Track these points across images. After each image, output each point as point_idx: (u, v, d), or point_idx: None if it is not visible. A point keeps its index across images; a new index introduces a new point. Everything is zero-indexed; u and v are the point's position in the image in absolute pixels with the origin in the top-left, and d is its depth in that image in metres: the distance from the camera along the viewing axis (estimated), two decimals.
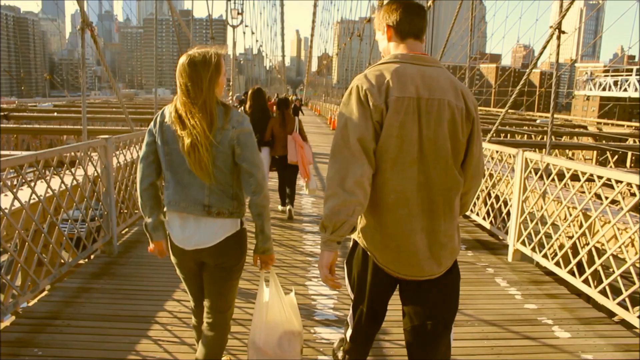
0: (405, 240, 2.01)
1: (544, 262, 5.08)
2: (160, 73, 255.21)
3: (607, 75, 54.63)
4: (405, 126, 1.93)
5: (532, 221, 5.49)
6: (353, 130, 1.92)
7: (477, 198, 7.05)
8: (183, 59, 2.29)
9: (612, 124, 26.56)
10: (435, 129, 1.96)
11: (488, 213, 6.58)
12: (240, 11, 19.38)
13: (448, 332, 2.21)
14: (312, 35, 72.73)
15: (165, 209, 2.44)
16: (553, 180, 5.20)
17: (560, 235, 5.03)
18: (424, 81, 1.98)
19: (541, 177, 5.33)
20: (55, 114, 25.46)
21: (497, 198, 6.47)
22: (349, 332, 2.39)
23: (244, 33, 22.74)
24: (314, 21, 68.83)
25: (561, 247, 5.03)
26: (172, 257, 2.51)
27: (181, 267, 2.53)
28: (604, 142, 20.77)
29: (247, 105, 7.20)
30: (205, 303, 2.53)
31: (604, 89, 51.35)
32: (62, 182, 4.43)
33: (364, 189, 1.92)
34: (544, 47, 7.55)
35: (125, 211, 6.08)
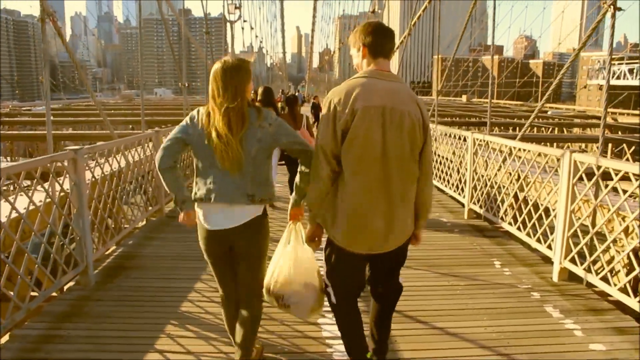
0: (370, 223, 2.52)
1: (602, 285, 4.23)
2: (162, 73, 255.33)
3: (622, 63, 53.25)
4: (371, 129, 2.43)
5: (583, 234, 4.66)
6: (321, 135, 2.53)
7: (502, 202, 6.23)
8: (218, 66, 2.64)
9: (628, 114, 25.56)
10: (397, 133, 2.45)
11: (518, 220, 5.75)
12: (237, 6, 18.66)
13: (397, 279, 2.92)
14: (312, 30, 71.85)
15: (205, 200, 2.68)
16: (605, 185, 4.37)
17: (620, 251, 4.20)
18: (389, 94, 2.47)
19: (588, 180, 4.51)
20: (51, 117, 24.74)
21: (534, 205, 5.63)
22: (331, 297, 2.80)
23: (243, 29, 21.96)
24: (314, 16, 67.94)
25: (623, 267, 4.20)
26: (203, 245, 2.84)
27: (215, 251, 2.84)
28: (623, 133, 19.86)
29: (256, 102, 6.87)
30: (240, 288, 2.91)
31: (618, 78, 50.08)
32: (13, 206, 3.59)
33: (328, 182, 2.55)
34: (595, 26, 6.68)
35: (108, 230, 5.29)
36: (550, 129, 22.80)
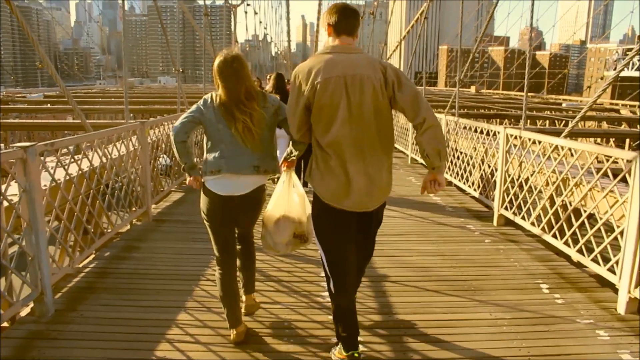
0: (344, 182, 2.74)
1: None
2: (167, 61, 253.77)
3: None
4: (334, 96, 2.69)
5: None
6: (289, 108, 2.86)
7: (545, 210, 5.32)
8: (221, 59, 3.05)
9: None
10: (359, 96, 2.71)
11: (566, 233, 4.84)
12: None
13: (373, 246, 3.13)
14: (318, 18, 70.47)
15: (216, 172, 3.07)
16: None
17: None
18: (349, 64, 2.73)
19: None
20: (49, 105, 23.86)
21: (588, 217, 4.71)
22: (330, 285, 2.97)
23: (246, 13, 20.87)
24: (320, 4, 66.56)
25: None
26: (207, 210, 3.19)
27: (222, 216, 3.20)
28: None
29: (270, 86, 7.76)
30: (242, 241, 3.48)
31: (638, 69, 48.71)
32: None
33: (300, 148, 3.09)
34: None
35: (76, 244, 4.41)
36: (563, 122, 21.79)
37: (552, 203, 5.19)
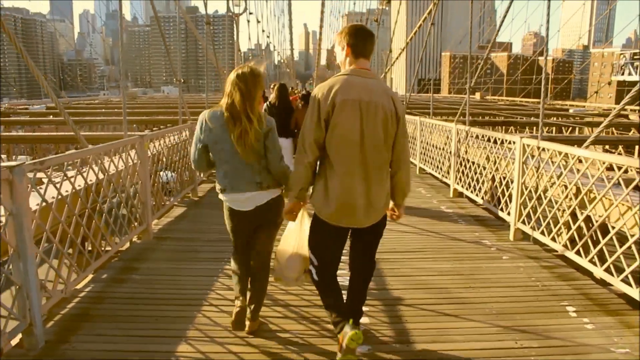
0: (350, 200, 2.93)
1: None
2: (170, 71, 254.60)
3: None
4: (349, 119, 2.87)
5: None
6: (306, 126, 2.95)
7: (568, 226, 5.04)
8: (240, 72, 3.22)
9: None
10: (372, 122, 2.89)
11: (592, 250, 4.55)
12: None
13: (373, 258, 3.32)
14: (320, 27, 70.49)
15: (222, 191, 3.37)
16: None
17: None
18: (365, 89, 2.90)
19: None
20: (51, 117, 23.67)
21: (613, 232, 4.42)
22: (313, 273, 3.24)
23: (249, 21, 20.69)
24: (322, 12, 66.59)
25: None
26: (228, 223, 3.52)
27: (237, 227, 3.51)
28: None
29: (273, 97, 7.92)
30: (254, 253, 3.58)
31: None
32: None
33: (310, 166, 2.97)
34: None
35: (70, 267, 4.14)
36: (570, 129, 21.51)
37: (575, 218, 4.89)
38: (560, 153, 5.15)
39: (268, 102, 7.90)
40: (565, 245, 4.99)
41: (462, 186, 8.20)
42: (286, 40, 66.93)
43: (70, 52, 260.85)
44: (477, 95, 48.72)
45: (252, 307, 3.56)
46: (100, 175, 4.82)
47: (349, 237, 3.19)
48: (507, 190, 6.46)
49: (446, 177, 9.24)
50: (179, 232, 6.33)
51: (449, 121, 12.36)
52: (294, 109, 8.06)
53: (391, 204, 3.15)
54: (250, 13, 21.29)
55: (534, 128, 20.26)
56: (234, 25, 27.60)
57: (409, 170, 3.15)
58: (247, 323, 3.54)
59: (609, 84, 68.86)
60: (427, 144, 10.69)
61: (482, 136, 7.76)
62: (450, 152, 9.08)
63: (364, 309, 3.50)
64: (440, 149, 9.86)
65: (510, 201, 6.18)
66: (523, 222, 5.89)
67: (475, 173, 7.68)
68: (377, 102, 2.89)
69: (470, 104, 28.48)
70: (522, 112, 24.49)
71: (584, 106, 31.34)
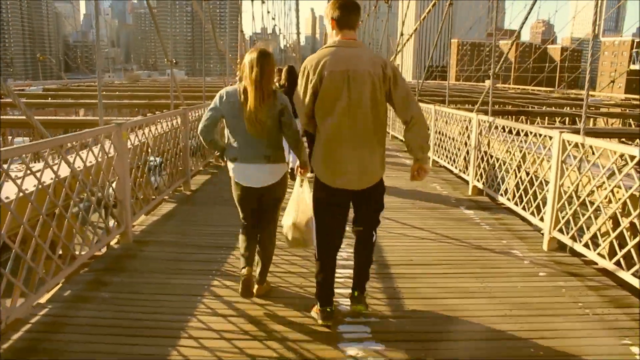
0: (341, 164, 3.16)
1: None
2: (175, 54, 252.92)
3: None
4: (337, 88, 3.07)
5: None
6: (298, 96, 3.23)
7: (619, 237, 4.24)
8: (255, 54, 3.45)
9: None
10: (359, 90, 3.06)
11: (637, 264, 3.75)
12: None
13: (377, 214, 3.43)
14: None
15: (233, 160, 3.63)
16: None
17: None
18: (352, 59, 3.08)
19: None
20: (49, 99, 22.87)
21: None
22: (315, 253, 3.46)
23: (252, 0, 19.72)
24: None
25: None
26: (236, 194, 3.78)
27: (244, 200, 3.78)
28: None
29: (282, 79, 7.75)
30: (262, 226, 3.83)
31: None
32: None
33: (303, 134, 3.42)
34: None
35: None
36: (584, 119, 20.55)
37: (635, 231, 4.08)
38: (614, 153, 4.32)
39: (277, 84, 7.91)
40: (618, 263, 4.18)
41: (483, 183, 7.38)
42: (292, 23, 65.80)
43: (75, 33, 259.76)
44: (487, 83, 47.77)
45: (260, 271, 3.89)
46: (65, 171, 4.03)
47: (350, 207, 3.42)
48: (539, 192, 5.66)
49: (464, 173, 8.41)
50: (164, 234, 5.55)
51: (464, 110, 11.52)
52: None
53: (415, 163, 3.29)
54: None
55: (558, 119, 19.33)
56: (240, 7, 26.65)
57: (423, 124, 3.24)
58: (256, 286, 3.81)
59: (627, 72, 66.92)
60: (442, 134, 9.85)
61: (510, 129, 6.90)
62: (470, 145, 8.27)
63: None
64: (456, 140, 9.03)
65: (544, 205, 5.38)
66: (560, 231, 5.09)
67: (500, 170, 6.86)
68: (364, 70, 3.07)
69: (478, 91, 27.78)
70: (536, 101, 23.52)
71: (600, 95, 30.30)
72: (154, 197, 6.67)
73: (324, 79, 3.07)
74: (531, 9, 8.61)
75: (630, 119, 20.95)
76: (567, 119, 21.61)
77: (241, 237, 3.85)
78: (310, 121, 3.25)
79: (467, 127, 8.54)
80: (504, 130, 7.05)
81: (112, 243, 5.20)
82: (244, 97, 3.45)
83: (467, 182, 8.25)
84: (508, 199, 6.52)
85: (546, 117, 22.04)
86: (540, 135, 5.84)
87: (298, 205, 3.80)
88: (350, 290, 3.65)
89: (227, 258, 4.79)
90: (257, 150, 3.53)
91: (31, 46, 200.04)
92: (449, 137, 9.41)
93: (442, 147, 9.77)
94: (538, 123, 19.70)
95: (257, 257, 3.88)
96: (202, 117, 3.67)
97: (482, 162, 7.44)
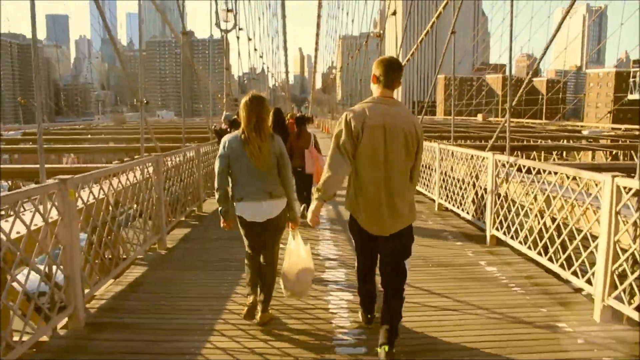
0: (376, 211, 3.51)
1: None
2: (165, 95, 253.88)
3: None
4: (375, 141, 3.42)
5: None
6: (342, 140, 3.48)
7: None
8: (248, 98, 3.96)
9: None
10: (394, 144, 3.44)
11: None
12: (230, 8, 15.85)
13: (403, 264, 3.68)
14: (316, 49, 69.54)
15: (240, 200, 4.02)
16: None
17: None
18: (389, 115, 3.46)
19: None
20: (30, 143, 21.90)
21: None
22: (356, 265, 3.99)
23: (238, 38, 19.10)
24: (317, 34, 65.65)
25: None
26: (242, 230, 4.18)
27: (249, 233, 4.16)
28: None
29: (269, 121, 7.04)
30: (263, 252, 4.22)
31: None
32: None
33: (343, 176, 3.52)
34: None
35: None
36: (594, 154, 19.86)
37: None
38: None
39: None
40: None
41: (505, 233, 6.40)
42: (281, 62, 65.67)
43: (67, 76, 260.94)
44: (480, 117, 47.41)
45: (263, 299, 4.16)
46: None
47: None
48: (581, 247, 4.69)
49: (478, 219, 7.43)
50: (126, 312, 4.49)
51: (466, 146, 10.64)
52: (289, 133, 8.07)
53: None
54: (240, 29, 19.61)
55: (565, 153, 18.53)
56: (228, 51, 26.08)
57: (418, 181, 4.32)
58: (259, 315, 4.13)
59: (622, 102, 66.79)
60: (448, 175, 8.92)
61: (537, 170, 5.94)
62: (480, 187, 7.35)
63: None
64: (465, 182, 8.11)
65: (593, 266, 4.40)
66: (617, 298, 4.10)
67: (526, 218, 5.90)
68: (399, 126, 3.46)
69: (476, 126, 27.21)
70: (538, 135, 22.80)
71: (600, 127, 29.73)
72: (125, 256, 5.67)
73: (364, 130, 3.42)
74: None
75: (631, 150, 20.20)
76: (564, 152, 20.87)
77: (246, 267, 4.32)
78: (345, 159, 3.48)
79: (474, 166, 7.64)
80: (528, 172, 6.12)
81: (59, 327, 4.14)
82: (244, 136, 3.91)
83: (481, 229, 7.30)
84: (540, 254, 5.52)
85: (563, 152, 21.12)
86: (578, 178, 4.90)
87: (289, 257, 4.15)
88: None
89: (204, 347, 3.75)
90: (261, 187, 3.94)
91: (22, 91, 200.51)
92: (456, 179, 8.49)
93: (448, 189, 8.83)
94: (554, 160, 18.87)
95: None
96: (215, 168, 4.09)
97: (502, 208, 6.49)
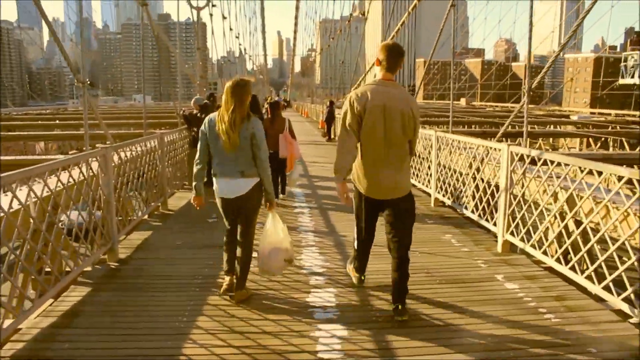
0: (378, 180, 3.96)
1: None
2: (140, 78, 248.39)
3: None
4: (376, 120, 3.83)
5: None
6: (348, 120, 3.92)
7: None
8: (230, 84, 4.15)
9: None
10: (392, 123, 3.84)
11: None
12: None
13: (410, 225, 4.09)
14: (295, 31, 68.05)
15: (214, 176, 4.26)
16: None
17: None
18: (388, 96, 3.87)
19: None
20: None
21: None
22: (355, 243, 4.46)
23: (211, 15, 17.75)
24: (296, 17, 64.15)
25: None
26: (219, 206, 4.37)
27: (225, 210, 4.38)
28: None
29: None
30: (239, 230, 4.40)
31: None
32: None
33: (353, 151, 3.95)
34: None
35: None
36: (604, 142, 19.11)
37: None
38: None
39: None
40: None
41: (524, 240, 5.42)
42: (259, 44, 63.88)
43: (39, 60, 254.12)
44: (463, 102, 46.60)
45: (239, 277, 4.38)
46: None
47: (383, 215, 4.13)
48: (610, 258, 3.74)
49: (487, 220, 6.42)
50: (63, 351, 3.41)
51: (462, 133, 9.64)
52: (264, 119, 8.11)
53: None
54: (214, 5, 18.26)
55: (564, 140, 17.69)
56: (206, 33, 24.71)
57: (415, 149, 4.20)
58: (235, 293, 4.35)
59: (615, 87, 66.15)
60: (447, 167, 7.93)
61: (555, 163, 4.95)
62: (485, 182, 6.39)
63: None
64: (470, 177, 7.13)
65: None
66: None
67: (550, 223, 4.92)
68: (397, 107, 3.86)
69: (460, 110, 26.16)
70: (522, 120, 21.87)
71: (588, 112, 29.01)
72: (68, 269, 4.59)
73: (366, 110, 3.86)
74: None
75: (622, 138, 19.43)
76: (584, 140, 19.83)
77: (224, 244, 4.55)
78: (352, 136, 3.93)
79: (481, 159, 6.65)
80: (546, 166, 5.14)
81: None
82: (219, 118, 4.13)
83: (488, 231, 6.34)
84: (574, 270, 4.55)
85: (554, 140, 20.21)
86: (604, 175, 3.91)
87: (265, 236, 4.32)
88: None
89: None
90: (233, 167, 4.15)
91: None
92: (458, 172, 7.50)
93: (447, 183, 7.83)
94: (540, 146, 17.93)
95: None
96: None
97: (516, 207, 5.51)
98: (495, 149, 6.17)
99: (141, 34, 13.11)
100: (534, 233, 5.23)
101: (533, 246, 5.21)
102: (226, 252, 4.51)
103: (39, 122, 23.65)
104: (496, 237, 6.01)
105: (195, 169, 4.32)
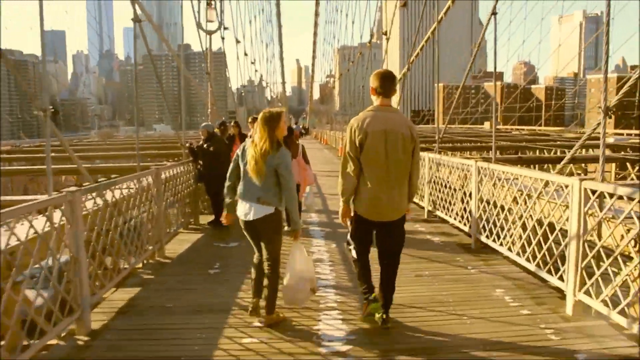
0: (377, 202, 4.16)
1: None
2: (162, 109, 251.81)
3: None
4: (378, 145, 4.07)
5: None
6: (348, 147, 4.18)
7: None
8: (262, 115, 4.40)
9: None
10: (393, 146, 4.08)
11: None
12: (212, 5, 13.64)
13: (399, 252, 4.42)
14: (313, 58, 67.76)
15: (239, 197, 4.44)
16: None
17: None
18: (388, 121, 4.11)
19: None
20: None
21: None
22: (355, 258, 4.52)
23: (223, 38, 16.91)
24: (314, 42, 63.87)
25: None
26: (242, 226, 4.53)
27: (246, 231, 4.53)
28: None
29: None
30: (264, 255, 4.50)
31: None
32: None
33: (354, 176, 4.18)
34: None
35: None
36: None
37: None
38: None
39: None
40: None
41: (604, 302, 4.20)
42: (276, 71, 63.44)
43: (63, 92, 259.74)
44: (487, 125, 45.29)
45: (266, 302, 4.45)
46: None
47: (377, 234, 4.40)
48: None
49: (547, 273, 5.18)
50: None
51: (471, 158, 8.48)
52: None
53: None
54: (226, 28, 17.48)
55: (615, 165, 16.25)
56: (226, 62, 24.01)
57: (419, 175, 4.79)
58: (263, 318, 4.48)
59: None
60: (493, 204, 6.73)
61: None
62: (555, 230, 5.21)
63: None
64: (515, 213, 5.92)
65: None
66: None
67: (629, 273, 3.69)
68: (397, 131, 4.10)
69: (484, 134, 24.57)
70: (551, 143, 20.55)
71: (624, 134, 27.48)
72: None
73: (367, 136, 4.08)
74: None
75: None
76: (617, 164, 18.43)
77: (253, 266, 4.76)
78: (358, 165, 4.18)
79: (530, 195, 5.46)
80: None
81: None
82: (253, 145, 4.34)
83: (544, 281, 5.14)
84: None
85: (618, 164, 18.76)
86: None
87: (291, 268, 4.42)
88: None
89: None
90: (254, 192, 4.34)
91: (19, 106, 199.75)
92: (504, 208, 6.30)
93: (493, 222, 6.62)
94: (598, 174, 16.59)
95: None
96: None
97: (595, 261, 4.29)
98: (561, 185, 4.95)
99: (150, 58, 12.24)
100: (621, 294, 4.00)
101: (622, 313, 3.97)
102: (254, 274, 4.74)
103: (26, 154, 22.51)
104: (560, 291, 4.81)
105: (225, 187, 4.59)
